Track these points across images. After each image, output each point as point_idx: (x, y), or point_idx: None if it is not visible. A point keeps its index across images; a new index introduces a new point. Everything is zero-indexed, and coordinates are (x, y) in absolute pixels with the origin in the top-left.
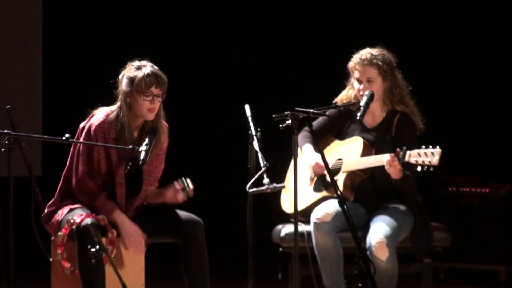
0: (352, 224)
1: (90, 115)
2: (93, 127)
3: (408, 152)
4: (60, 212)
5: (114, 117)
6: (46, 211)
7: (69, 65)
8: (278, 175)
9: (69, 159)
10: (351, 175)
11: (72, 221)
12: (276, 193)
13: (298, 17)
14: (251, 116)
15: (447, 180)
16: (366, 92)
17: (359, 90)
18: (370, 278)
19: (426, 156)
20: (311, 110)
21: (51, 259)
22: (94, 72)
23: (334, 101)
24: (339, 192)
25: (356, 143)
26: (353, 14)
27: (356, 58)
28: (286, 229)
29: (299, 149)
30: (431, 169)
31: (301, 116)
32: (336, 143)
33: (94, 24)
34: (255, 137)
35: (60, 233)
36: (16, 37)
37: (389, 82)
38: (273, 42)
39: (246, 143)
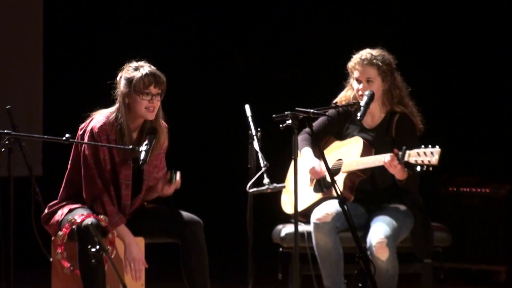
0: (352, 224)
1: (90, 118)
2: (95, 130)
3: (407, 152)
4: (60, 212)
5: (114, 119)
6: (46, 211)
7: (70, 65)
8: (278, 175)
9: (70, 161)
10: (351, 175)
11: (73, 220)
12: (277, 193)
13: (298, 17)
14: (251, 116)
15: (447, 180)
16: (366, 92)
17: (358, 90)
18: (370, 278)
19: (426, 155)
20: (311, 110)
21: (51, 259)
22: (94, 72)
23: (334, 102)
24: (339, 193)
25: (356, 143)
26: (354, 14)
27: (356, 58)
28: (286, 229)
29: (298, 151)
30: (431, 168)
31: (301, 116)
32: (336, 143)
33: (95, 23)
34: (255, 137)
35: (60, 233)
36: (17, 37)
37: (388, 83)
38: (273, 42)
39: (247, 143)
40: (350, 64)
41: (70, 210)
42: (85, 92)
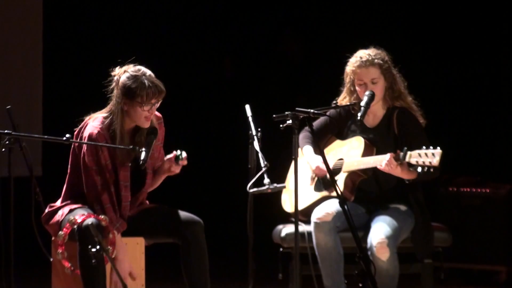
0: (352, 224)
1: (84, 124)
2: (94, 136)
3: (408, 152)
4: (60, 212)
5: (108, 124)
6: (46, 211)
7: (69, 65)
8: (278, 175)
9: (69, 166)
10: (352, 175)
11: (73, 220)
12: (277, 193)
13: (299, 17)
14: (251, 116)
15: (447, 180)
16: (367, 92)
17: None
18: (371, 278)
19: (427, 156)
20: (312, 110)
21: (51, 259)
22: (94, 73)
23: (334, 101)
24: (339, 192)
25: (357, 143)
26: (354, 14)
27: (355, 61)
28: (287, 229)
29: (299, 149)
30: (431, 170)
31: (301, 116)
32: (337, 143)
33: (95, 24)
34: (255, 137)
35: (61, 233)
36: (17, 37)
37: (389, 80)
38: (273, 42)
39: (247, 143)
40: (350, 68)
41: (71, 210)
42: (84, 92)
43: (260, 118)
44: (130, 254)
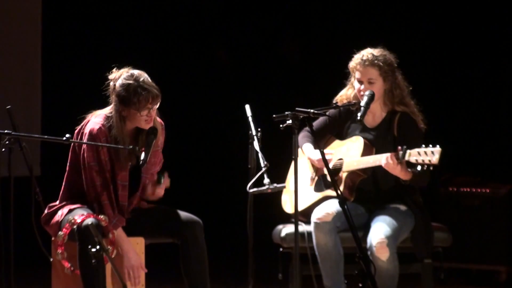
0: (352, 224)
1: (86, 120)
2: (94, 131)
3: (408, 151)
4: (60, 212)
5: (110, 125)
6: (46, 212)
7: (69, 65)
8: (278, 175)
9: (68, 164)
10: (352, 174)
11: (73, 221)
12: (277, 194)
13: (298, 17)
14: (251, 116)
15: (447, 180)
16: (367, 92)
17: (359, 90)
18: (371, 278)
19: (426, 155)
20: (312, 110)
21: (51, 259)
22: (93, 73)
23: (334, 101)
24: (339, 192)
25: (356, 142)
26: (354, 14)
27: (357, 58)
28: (287, 229)
29: (299, 148)
30: (431, 168)
31: (301, 116)
32: (337, 142)
33: (94, 24)
34: (255, 137)
35: (61, 233)
36: (16, 37)
37: (389, 83)
38: (273, 42)
39: (247, 143)
40: (351, 64)
41: (70, 210)
42: (83, 92)
43: (260, 118)
44: None
